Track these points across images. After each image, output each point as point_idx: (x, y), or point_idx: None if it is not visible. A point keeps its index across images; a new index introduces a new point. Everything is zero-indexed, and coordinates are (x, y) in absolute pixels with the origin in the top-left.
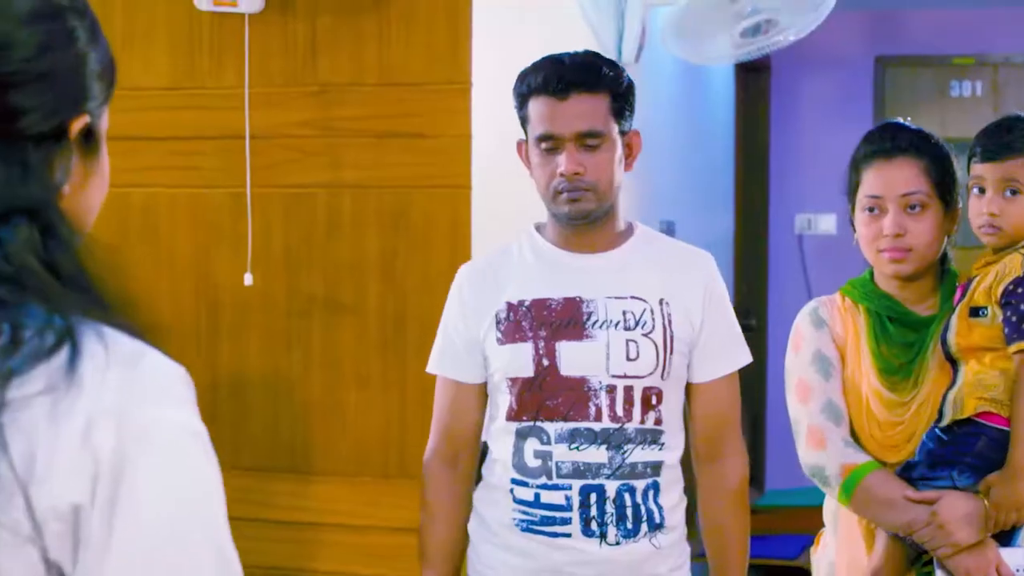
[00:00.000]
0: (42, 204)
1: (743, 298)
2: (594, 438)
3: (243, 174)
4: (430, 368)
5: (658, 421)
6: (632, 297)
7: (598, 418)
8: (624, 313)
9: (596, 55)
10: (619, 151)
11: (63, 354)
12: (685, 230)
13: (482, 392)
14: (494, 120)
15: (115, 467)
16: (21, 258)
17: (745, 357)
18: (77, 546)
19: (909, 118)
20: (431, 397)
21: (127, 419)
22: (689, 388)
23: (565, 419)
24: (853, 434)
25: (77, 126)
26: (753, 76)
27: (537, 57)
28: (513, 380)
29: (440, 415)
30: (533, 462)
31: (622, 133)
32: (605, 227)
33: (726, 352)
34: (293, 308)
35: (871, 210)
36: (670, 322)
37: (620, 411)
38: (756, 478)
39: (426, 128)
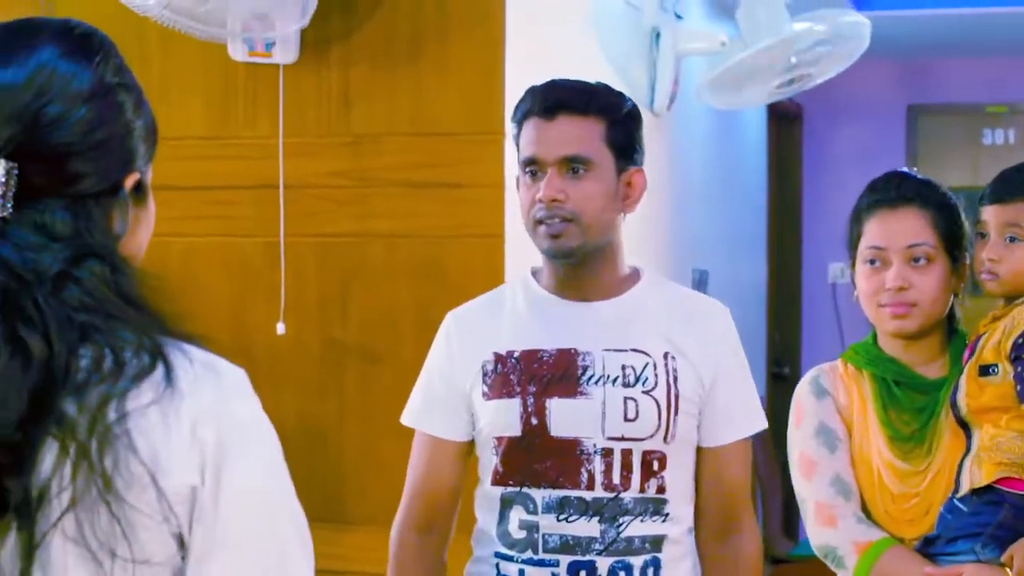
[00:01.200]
0: (106, 248)
1: (776, 347)
2: (585, 508)
3: (277, 223)
4: (405, 419)
5: (661, 489)
6: (633, 350)
7: (590, 486)
8: (623, 368)
9: (602, 84)
10: (612, 185)
11: (160, 369)
12: (718, 279)
13: (463, 452)
14: None
15: (217, 455)
16: (101, 292)
17: (760, 422)
18: (193, 519)
19: (916, 168)
20: None
21: (222, 416)
22: (698, 453)
23: (554, 486)
24: (865, 510)
25: (129, 182)
26: (786, 124)
27: None
28: (499, 440)
29: (414, 476)
30: (518, 533)
31: (620, 168)
32: (603, 271)
33: (740, 415)
34: (327, 357)
35: (872, 262)
36: (675, 379)
37: (616, 478)
38: (791, 527)
39: (460, 178)
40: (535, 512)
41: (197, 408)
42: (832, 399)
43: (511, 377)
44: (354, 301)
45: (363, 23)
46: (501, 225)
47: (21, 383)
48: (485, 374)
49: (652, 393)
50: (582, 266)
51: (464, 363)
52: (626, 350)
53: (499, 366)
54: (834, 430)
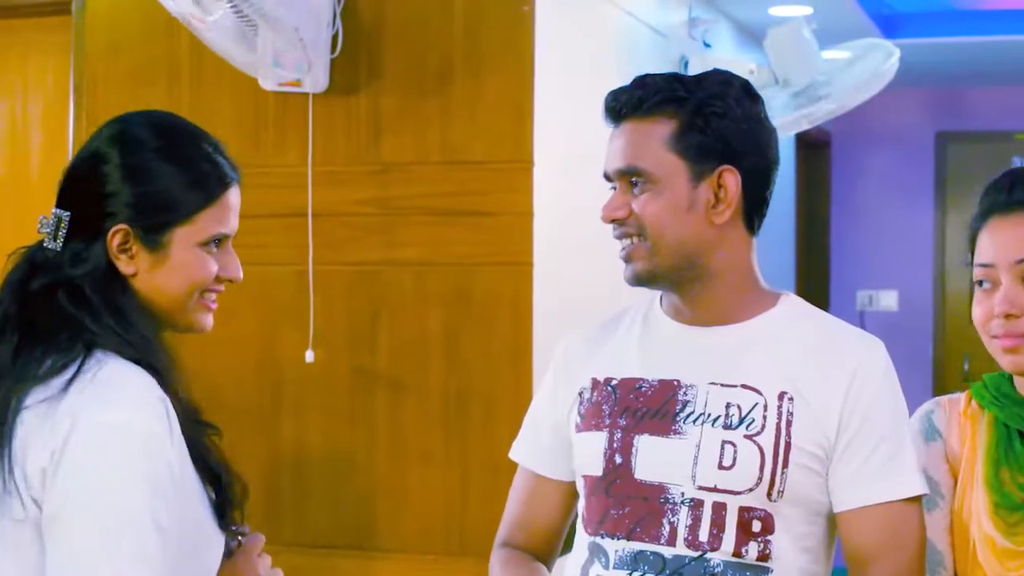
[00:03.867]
0: (84, 279)
1: None
2: (662, 567)
3: (306, 251)
4: (511, 452)
5: (764, 556)
6: (743, 387)
7: (671, 541)
8: (728, 406)
9: (672, 74)
10: (683, 196)
11: (68, 374)
12: None
13: (565, 491)
14: (556, 198)
15: (62, 447)
16: (73, 312)
17: (910, 486)
18: (45, 492)
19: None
20: (495, 475)
21: (82, 416)
22: (835, 520)
23: (629, 537)
24: None
25: (113, 234)
26: (814, 151)
27: (597, 134)
28: (585, 479)
29: (509, 508)
30: None
31: (700, 174)
32: (718, 292)
33: (879, 473)
34: (356, 385)
35: (981, 283)
36: (789, 424)
37: (703, 535)
38: None
39: (488, 206)
40: (607, 567)
41: (69, 407)
42: (943, 443)
43: (603, 408)
44: (383, 329)
45: (393, 52)
46: (530, 253)
47: None
48: (581, 403)
49: (756, 439)
50: (682, 289)
51: (566, 390)
52: (735, 386)
53: (595, 394)
54: (937, 483)
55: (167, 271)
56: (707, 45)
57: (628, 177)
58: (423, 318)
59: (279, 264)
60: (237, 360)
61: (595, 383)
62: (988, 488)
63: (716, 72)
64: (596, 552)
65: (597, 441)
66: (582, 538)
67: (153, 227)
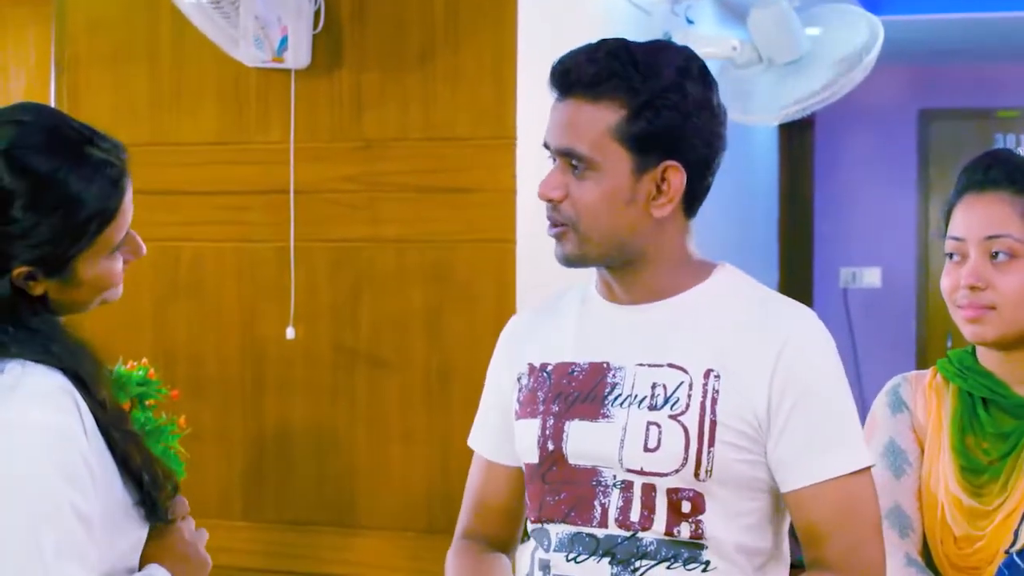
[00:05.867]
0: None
1: None
2: (595, 547)
3: (287, 228)
4: (468, 438)
5: (698, 535)
6: (670, 365)
7: (603, 523)
8: (653, 387)
9: (627, 49)
10: (624, 187)
11: None
12: None
13: (520, 477)
14: (540, 174)
15: None
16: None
17: (855, 459)
18: None
19: (1023, 148)
20: None
21: None
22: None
23: (565, 520)
24: (926, 550)
25: (19, 272)
26: (797, 131)
27: None
28: (525, 466)
29: (468, 492)
30: (536, 574)
31: (643, 167)
32: (647, 274)
33: (822, 449)
34: (338, 362)
35: (951, 256)
36: (715, 402)
37: (635, 515)
38: None
39: (471, 182)
40: (548, 549)
41: None
42: (910, 414)
43: (538, 394)
44: (364, 306)
45: (375, 28)
46: (512, 230)
47: None
48: (519, 389)
49: (680, 418)
50: (612, 270)
51: (508, 375)
52: (661, 365)
53: (531, 380)
54: (904, 451)
55: (75, 289)
56: (690, 22)
57: (568, 158)
58: (405, 295)
59: (261, 241)
60: (219, 337)
61: (531, 368)
62: (955, 453)
63: (674, 54)
64: (540, 537)
65: (532, 429)
66: (530, 525)
67: (56, 263)
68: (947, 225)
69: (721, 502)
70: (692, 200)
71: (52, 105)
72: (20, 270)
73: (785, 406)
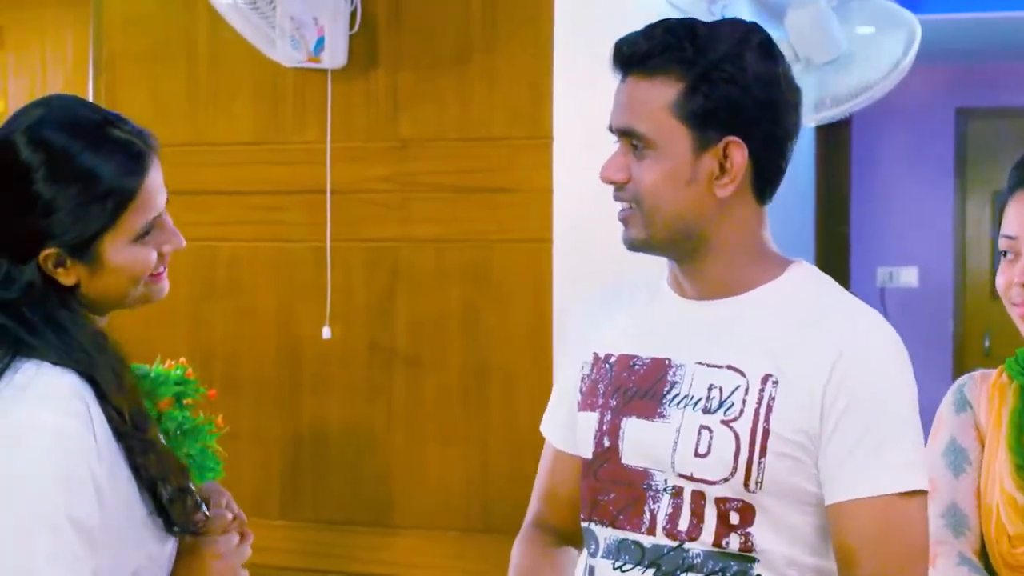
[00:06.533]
0: (18, 298)
1: None
2: (640, 556)
3: (324, 228)
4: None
5: (747, 547)
6: (728, 367)
7: (651, 530)
8: (710, 388)
9: (686, 25)
10: (684, 165)
11: None
12: None
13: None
14: (576, 174)
15: None
16: (8, 326)
17: (909, 480)
18: None
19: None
20: (513, 451)
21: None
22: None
23: (613, 524)
24: (984, 551)
25: (46, 256)
26: (833, 130)
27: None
28: (582, 460)
29: (539, 478)
30: None
31: (704, 143)
32: (716, 265)
33: (874, 464)
34: (374, 361)
35: (1004, 254)
36: (769, 409)
37: (683, 524)
38: None
39: (507, 182)
40: (596, 554)
41: None
42: (973, 412)
43: (599, 386)
44: (400, 305)
45: (411, 28)
46: (549, 229)
47: None
48: (583, 379)
49: (733, 424)
50: (680, 260)
51: (574, 363)
52: (720, 366)
53: (594, 370)
54: (965, 450)
55: (107, 276)
56: None
57: (629, 138)
58: (441, 295)
59: (297, 240)
60: (255, 336)
61: (596, 358)
62: (1010, 451)
63: (733, 25)
64: (588, 538)
65: (591, 422)
66: (581, 521)
67: (80, 245)
68: (1000, 222)
69: (771, 514)
70: (763, 183)
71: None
72: (47, 252)
73: (835, 414)
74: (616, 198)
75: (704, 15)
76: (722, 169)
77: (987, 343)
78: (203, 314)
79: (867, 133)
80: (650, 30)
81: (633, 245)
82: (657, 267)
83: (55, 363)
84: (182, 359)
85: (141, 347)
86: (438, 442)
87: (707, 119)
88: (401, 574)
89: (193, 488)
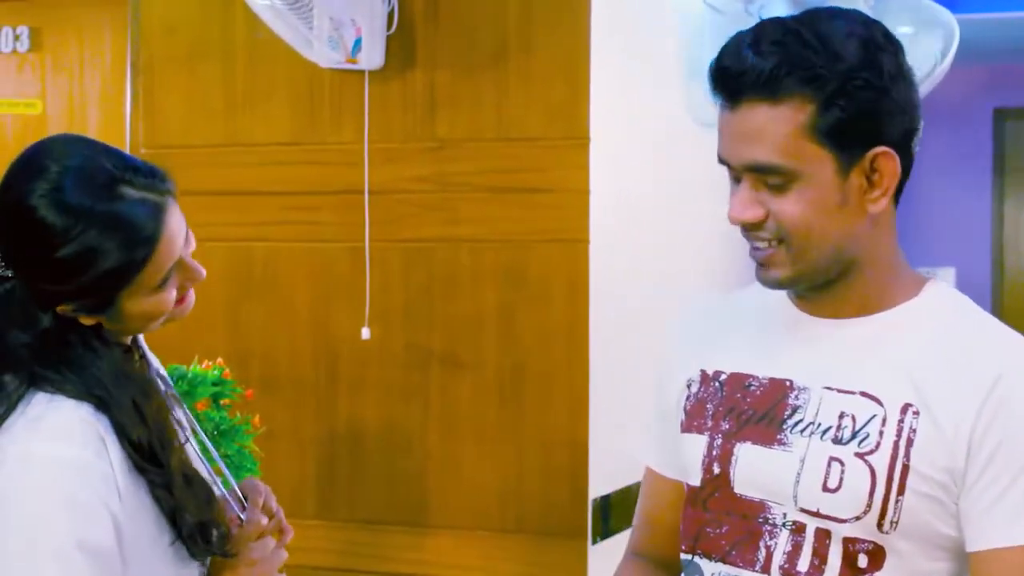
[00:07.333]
0: (36, 338)
1: None
2: None
3: (361, 228)
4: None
5: None
6: (863, 394)
7: (766, 567)
8: (841, 416)
9: (797, 36)
10: (833, 190)
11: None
12: None
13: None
14: (613, 174)
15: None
16: (25, 357)
17: None
18: None
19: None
20: (549, 453)
21: (11, 448)
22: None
23: (724, 559)
24: None
25: (63, 309)
26: None
27: (654, 111)
28: (687, 487)
29: (639, 504)
30: None
31: (850, 162)
32: (859, 285)
33: (1015, 511)
34: (411, 362)
35: None
36: (910, 443)
37: (803, 564)
38: None
39: (544, 183)
40: None
41: (2, 440)
42: None
43: (708, 406)
44: (438, 306)
45: (448, 28)
46: (586, 230)
47: None
48: (687, 397)
49: (868, 458)
50: (824, 284)
51: (676, 379)
52: (853, 392)
53: (701, 389)
54: None
55: (126, 320)
56: None
57: (760, 174)
58: (479, 295)
59: (335, 241)
60: (293, 337)
61: (704, 376)
62: None
63: (849, 23)
64: (692, 571)
65: (698, 445)
66: (681, 554)
67: (99, 306)
68: None
69: (903, 558)
70: (901, 182)
71: (128, 104)
72: (64, 308)
73: (985, 451)
74: (750, 237)
75: (741, 15)
76: (870, 182)
77: None
78: (240, 315)
79: None
80: (756, 46)
81: (780, 284)
82: (701, 275)
83: (70, 396)
84: (219, 359)
85: (178, 348)
86: (474, 442)
87: (848, 135)
88: (436, 574)
89: (217, 518)
